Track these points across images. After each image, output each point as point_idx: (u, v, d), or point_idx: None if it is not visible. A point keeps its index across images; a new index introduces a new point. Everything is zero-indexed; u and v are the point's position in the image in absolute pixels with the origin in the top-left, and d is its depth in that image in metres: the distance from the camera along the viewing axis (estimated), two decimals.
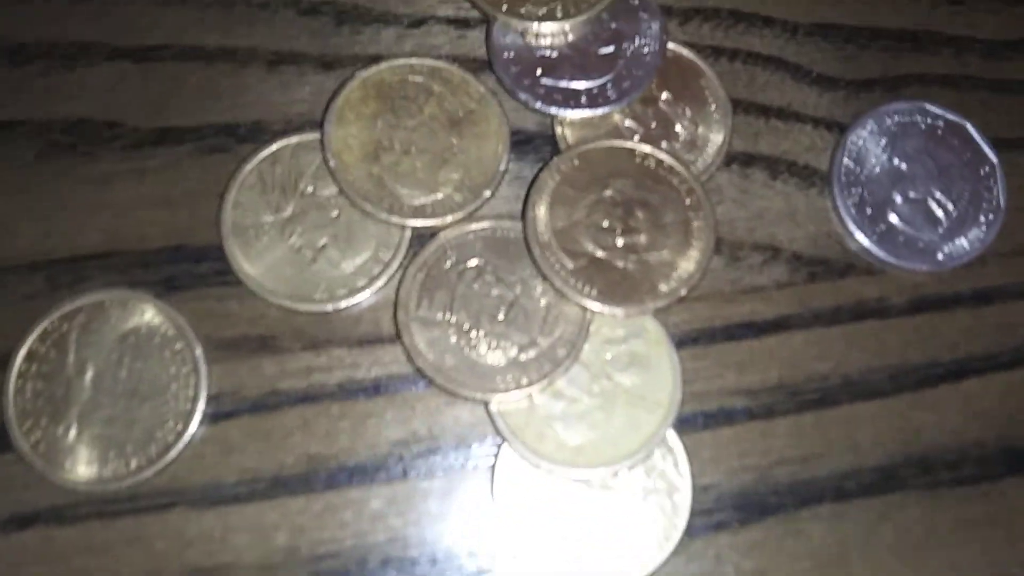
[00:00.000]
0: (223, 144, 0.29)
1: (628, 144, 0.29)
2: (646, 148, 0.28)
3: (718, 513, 0.27)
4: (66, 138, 0.29)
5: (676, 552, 0.26)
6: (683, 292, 0.27)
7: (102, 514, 0.26)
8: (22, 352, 0.27)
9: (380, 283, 0.28)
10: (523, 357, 0.27)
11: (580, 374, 0.27)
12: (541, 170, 0.28)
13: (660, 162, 0.28)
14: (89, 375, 0.27)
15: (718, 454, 0.27)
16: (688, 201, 0.28)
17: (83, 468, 0.26)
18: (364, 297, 0.28)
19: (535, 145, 0.30)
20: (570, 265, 0.27)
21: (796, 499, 0.27)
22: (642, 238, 0.28)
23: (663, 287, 0.27)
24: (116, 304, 0.27)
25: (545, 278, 0.27)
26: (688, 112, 0.30)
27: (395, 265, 0.28)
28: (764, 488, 0.27)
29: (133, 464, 0.26)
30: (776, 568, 0.27)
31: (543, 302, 0.27)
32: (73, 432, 0.26)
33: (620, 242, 0.27)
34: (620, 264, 0.27)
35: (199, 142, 0.29)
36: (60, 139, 0.29)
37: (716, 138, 0.30)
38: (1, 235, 0.28)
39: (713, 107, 0.30)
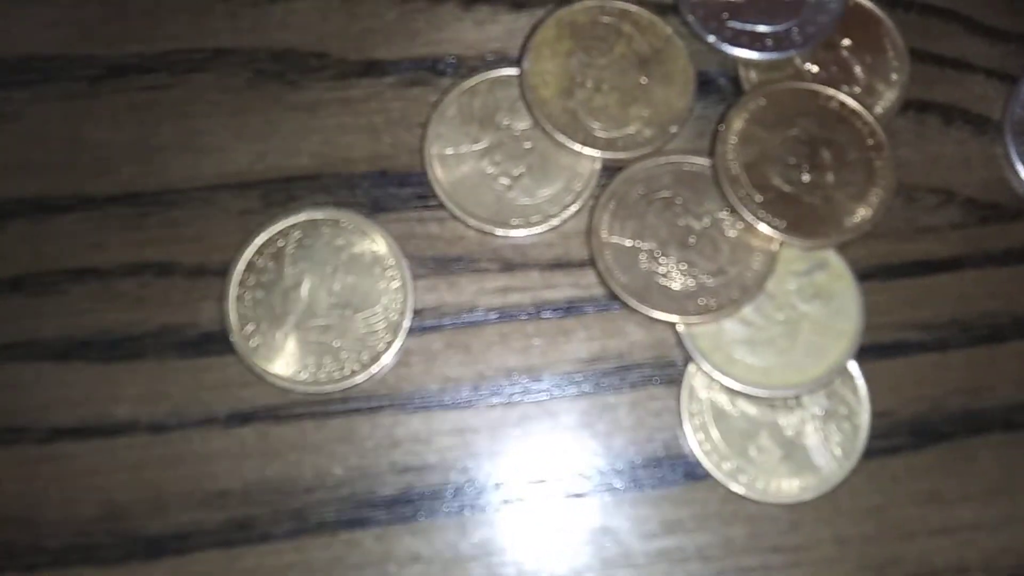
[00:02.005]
0: (423, 78, 0.32)
1: (813, 86, 0.31)
2: (830, 91, 0.31)
3: (894, 438, 0.29)
4: (274, 67, 0.32)
5: (854, 472, 0.29)
6: (867, 228, 0.29)
7: (315, 414, 0.29)
8: (242, 263, 0.30)
9: (572, 211, 0.30)
10: (711, 284, 0.29)
11: (766, 303, 0.29)
12: (729, 107, 0.31)
13: (843, 104, 0.31)
14: (305, 287, 0.30)
15: (894, 383, 0.30)
16: (870, 142, 0.30)
17: (299, 371, 0.29)
18: (557, 223, 0.30)
19: (718, 86, 0.32)
20: (759, 198, 0.30)
21: (967, 428, 0.29)
22: (828, 176, 0.30)
23: (847, 222, 0.29)
24: (329, 222, 0.30)
25: (734, 210, 0.30)
26: (868, 59, 0.32)
27: (586, 195, 0.31)
28: (937, 416, 0.30)
29: (346, 369, 0.29)
30: (947, 491, 0.29)
31: (731, 233, 0.30)
32: (291, 338, 0.29)
33: (806, 178, 0.30)
34: (807, 199, 0.30)
35: (401, 75, 0.32)
36: (268, 67, 0.32)
37: (894, 84, 0.32)
38: (218, 155, 0.31)
39: (891, 55, 0.32)
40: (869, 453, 0.29)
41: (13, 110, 0.31)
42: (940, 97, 0.32)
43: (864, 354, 0.29)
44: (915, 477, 0.29)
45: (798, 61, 0.32)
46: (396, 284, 0.29)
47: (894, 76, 0.32)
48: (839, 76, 0.32)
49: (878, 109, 0.31)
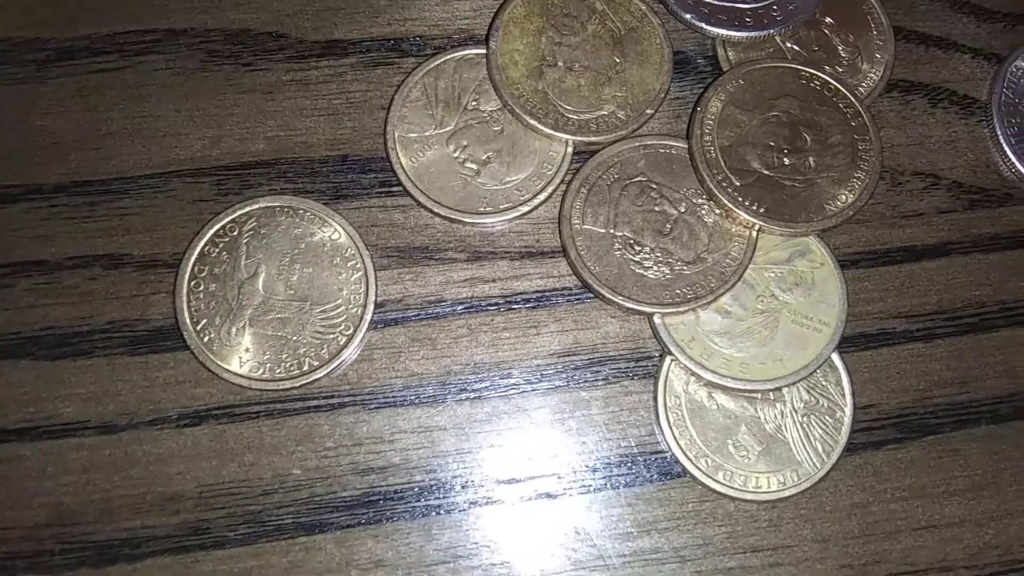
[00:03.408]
0: (386, 58, 0.31)
1: (794, 65, 0.30)
2: (811, 70, 0.30)
3: (877, 431, 0.29)
4: (229, 47, 0.31)
5: (836, 467, 0.28)
6: (850, 213, 0.29)
7: (273, 413, 0.28)
8: (194, 254, 0.29)
9: (542, 197, 0.30)
10: (688, 272, 0.29)
11: (745, 292, 0.29)
12: (706, 89, 0.30)
13: (825, 84, 0.30)
14: (261, 278, 0.29)
15: (878, 375, 0.29)
16: (853, 124, 0.30)
17: (255, 367, 0.28)
18: (527, 210, 0.30)
19: (695, 66, 0.32)
20: (737, 182, 0.29)
21: (953, 420, 0.29)
22: (810, 159, 0.29)
23: (830, 207, 0.29)
24: (287, 211, 0.29)
25: (711, 195, 0.29)
26: (851, 37, 0.31)
27: (557, 180, 0.30)
28: (922, 409, 0.29)
29: (305, 365, 0.28)
30: (932, 486, 0.29)
31: (709, 220, 0.29)
32: (246, 332, 0.28)
33: (787, 161, 0.29)
34: (787, 183, 0.29)
35: (363, 55, 0.31)
36: (222, 48, 0.31)
37: (878, 64, 0.31)
38: (171, 141, 0.30)
39: (875, 33, 0.32)
40: (851, 447, 0.28)
41: None
42: (926, 77, 0.32)
43: (847, 345, 0.29)
44: (899, 472, 0.29)
45: (778, 40, 0.31)
46: (357, 275, 0.29)
47: (878, 55, 0.31)
48: (821, 55, 0.31)
49: (861, 89, 0.31)
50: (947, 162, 0.31)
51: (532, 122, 0.30)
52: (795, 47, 0.31)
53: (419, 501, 0.28)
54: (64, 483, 0.28)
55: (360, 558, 0.27)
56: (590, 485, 0.28)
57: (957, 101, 0.32)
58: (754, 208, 0.29)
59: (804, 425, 0.28)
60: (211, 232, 0.29)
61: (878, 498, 0.28)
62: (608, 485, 0.28)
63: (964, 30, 0.32)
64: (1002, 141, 0.31)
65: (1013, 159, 0.31)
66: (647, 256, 0.29)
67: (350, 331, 0.28)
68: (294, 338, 0.28)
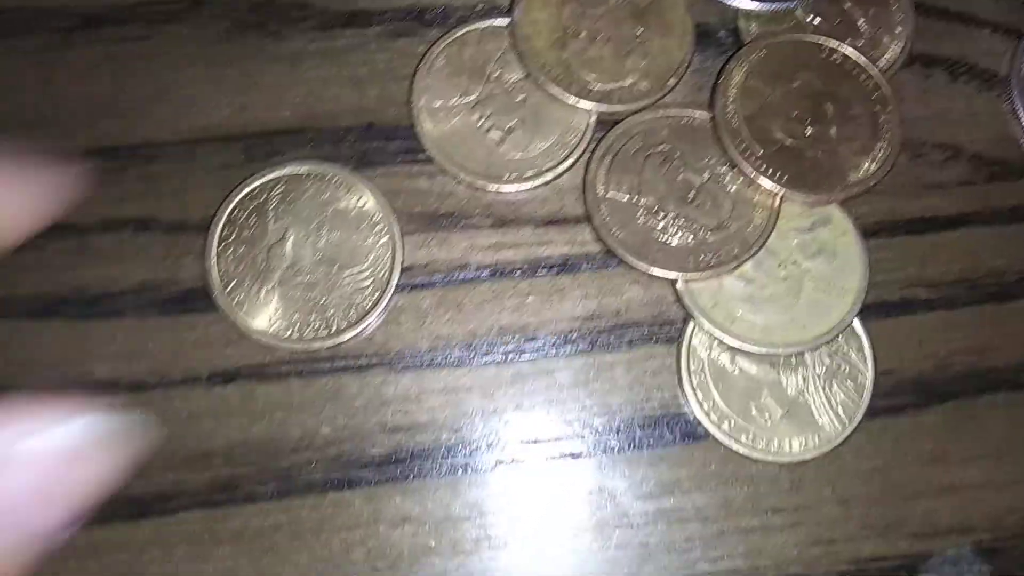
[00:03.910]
0: (410, 28, 0.32)
1: (815, 38, 0.31)
2: (833, 43, 0.31)
3: (898, 397, 0.30)
4: (254, 17, 0.32)
5: (857, 431, 0.29)
6: (872, 182, 0.30)
7: (302, 372, 0.29)
8: (223, 218, 0.30)
9: (566, 165, 0.31)
10: (711, 239, 0.29)
11: (767, 259, 0.30)
12: (729, 59, 0.31)
13: (846, 57, 0.31)
14: (290, 242, 0.30)
15: (899, 341, 0.30)
16: (874, 96, 0.31)
17: (284, 328, 0.29)
18: (551, 178, 0.31)
19: (717, 38, 0.32)
20: (760, 151, 0.30)
21: (973, 387, 0.30)
22: (831, 130, 0.30)
23: (851, 177, 0.30)
24: (314, 176, 0.30)
25: (734, 164, 0.30)
26: (871, 11, 0.32)
27: (581, 149, 0.31)
28: (942, 375, 0.30)
29: (333, 327, 0.29)
30: (952, 451, 0.29)
31: (732, 188, 0.30)
32: (275, 294, 0.29)
33: (809, 131, 0.30)
34: (809, 153, 0.30)
35: (386, 25, 0.32)
36: (247, 18, 0.32)
37: (898, 38, 0.32)
38: (198, 108, 0.31)
39: (895, 7, 0.32)
40: (872, 412, 0.29)
41: None
42: (946, 51, 0.33)
43: (868, 312, 0.30)
44: (919, 437, 0.29)
45: (800, 13, 0.32)
46: (384, 240, 0.30)
47: (899, 29, 0.32)
48: (842, 29, 0.32)
49: (882, 63, 0.32)
50: (967, 135, 0.32)
51: (556, 91, 0.30)
52: (816, 20, 0.32)
53: (445, 459, 0.28)
54: None
55: (388, 513, 0.28)
56: (613, 446, 0.29)
57: (977, 75, 0.32)
58: (777, 177, 0.29)
59: (826, 390, 0.29)
60: (240, 196, 0.30)
61: (899, 462, 0.29)
62: (631, 446, 0.29)
63: (984, 5, 0.33)
64: (1021, 115, 0.32)
65: None
66: (671, 223, 0.30)
67: (377, 294, 0.29)
68: (322, 300, 0.29)
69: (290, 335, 0.29)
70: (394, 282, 0.29)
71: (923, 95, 0.32)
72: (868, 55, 0.31)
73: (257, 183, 0.30)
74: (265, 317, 0.29)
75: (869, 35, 0.32)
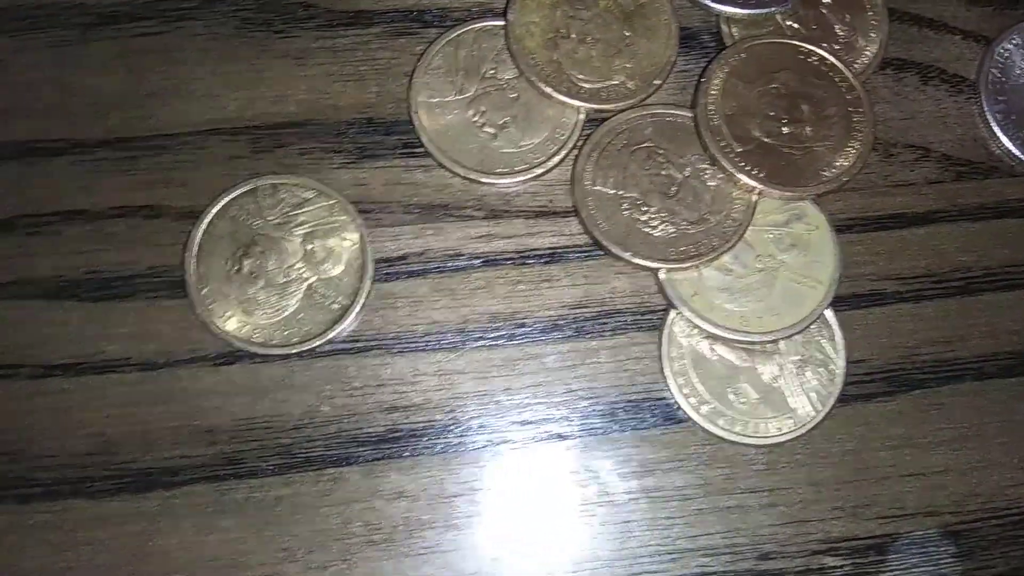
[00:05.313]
0: (409, 28, 0.34)
1: (793, 41, 0.33)
2: (810, 46, 0.33)
3: (868, 384, 0.31)
4: (261, 15, 0.33)
5: (829, 416, 0.31)
6: (844, 179, 0.31)
7: (303, 354, 0.31)
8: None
9: (556, 160, 0.32)
10: (692, 232, 0.31)
11: (744, 251, 0.31)
12: (711, 61, 0.33)
13: (823, 59, 0.33)
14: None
15: (869, 332, 0.32)
16: (848, 97, 0.32)
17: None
18: (541, 172, 0.32)
19: (700, 41, 0.34)
20: (739, 148, 0.31)
21: (940, 376, 0.32)
22: (807, 129, 0.32)
23: (825, 174, 0.31)
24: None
25: (714, 161, 0.32)
26: (847, 17, 0.34)
27: (570, 145, 0.32)
28: (910, 365, 0.32)
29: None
30: (920, 436, 0.31)
31: (712, 184, 0.32)
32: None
33: (786, 130, 0.32)
34: (786, 150, 0.32)
35: (387, 25, 0.34)
36: (255, 16, 0.34)
37: (872, 42, 0.34)
38: (208, 102, 0.33)
39: (871, 14, 0.34)
40: (844, 399, 0.31)
41: (2, 58, 0.32)
42: (918, 56, 0.34)
43: (840, 303, 0.31)
44: (888, 423, 0.31)
45: (779, 18, 0.34)
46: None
47: (873, 35, 0.34)
48: (819, 33, 0.34)
49: (857, 66, 0.33)
50: (937, 136, 0.33)
51: (547, 90, 0.32)
52: (794, 25, 0.33)
53: (439, 438, 0.30)
54: (106, 415, 0.30)
55: (384, 488, 0.30)
56: (598, 428, 0.30)
57: (947, 79, 0.34)
58: (754, 173, 0.31)
59: (799, 376, 0.31)
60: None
61: (868, 446, 0.31)
62: (615, 428, 0.31)
63: (955, 12, 0.35)
64: (989, 118, 0.33)
65: (999, 134, 0.33)
66: (653, 216, 0.31)
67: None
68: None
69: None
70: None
71: (895, 98, 0.34)
72: (843, 59, 0.33)
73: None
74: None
75: (845, 39, 0.33)
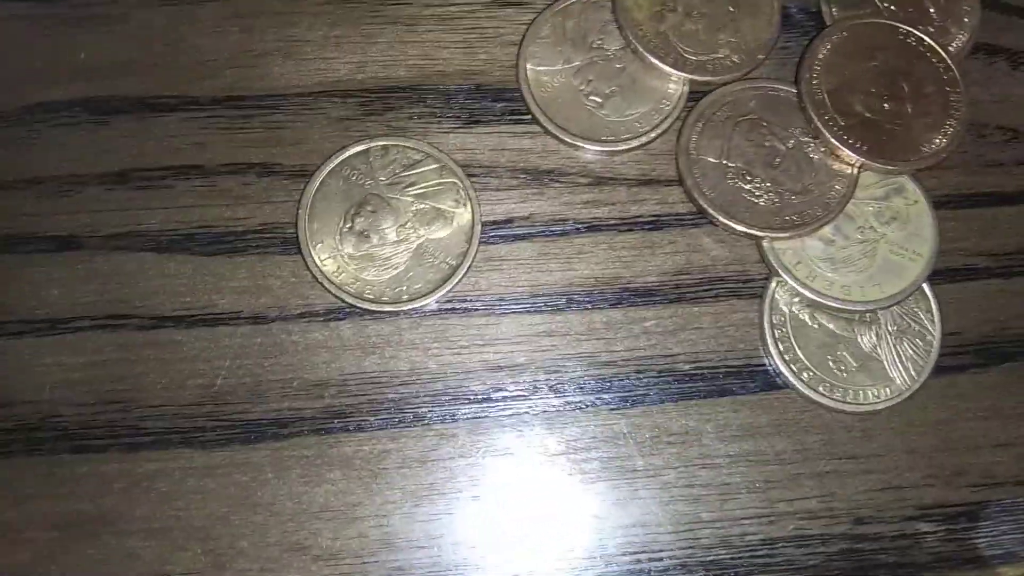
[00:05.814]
0: None
1: (892, 22, 0.34)
2: (908, 27, 0.33)
3: (962, 356, 0.32)
4: None
5: (924, 386, 0.31)
6: (943, 156, 0.32)
7: (411, 313, 0.31)
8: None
9: (660, 130, 0.33)
10: (795, 201, 0.32)
11: (845, 223, 0.32)
12: (814, 38, 0.33)
13: (920, 40, 0.33)
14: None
15: (963, 306, 0.32)
16: (945, 77, 0.33)
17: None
18: (646, 141, 0.33)
19: (800, 20, 0.35)
20: (842, 122, 0.32)
21: None
22: (907, 106, 0.33)
23: (924, 150, 0.32)
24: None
25: (818, 134, 0.32)
26: (941, 2, 0.35)
27: (674, 115, 0.33)
28: (1002, 338, 0.32)
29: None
30: (1010, 408, 0.32)
31: (814, 156, 0.32)
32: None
33: (887, 106, 0.32)
34: (887, 126, 0.32)
35: None
36: None
37: (965, 28, 0.35)
38: (318, 64, 0.33)
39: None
40: (939, 369, 0.31)
41: (120, 12, 0.33)
42: (1008, 43, 0.35)
43: (935, 277, 0.32)
44: (980, 394, 0.32)
45: (876, 0, 0.34)
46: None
47: (966, 19, 0.35)
48: (914, 16, 0.34)
49: (951, 49, 0.34)
50: None
51: (654, 61, 0.33)
52: (891, 7, 0.34)
53: (542, 398, 0.30)
54: (217, 367, 0.30)
55: (490, 446, 0.30)
56: (700, 391, 0.31)
57: None
58: (857, 147, 0.32)
59: (897, 346, 0.31)
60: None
61: (961, 416, 0.31)
62: (716, 393, 0.31)
63: None
64: None
65: None
66: (758, 186, 0.32)
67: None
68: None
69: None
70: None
71: (986, 81, 0.34)
72: (938, 41, 0.33)
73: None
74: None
75: (939, 23, 0.34)
